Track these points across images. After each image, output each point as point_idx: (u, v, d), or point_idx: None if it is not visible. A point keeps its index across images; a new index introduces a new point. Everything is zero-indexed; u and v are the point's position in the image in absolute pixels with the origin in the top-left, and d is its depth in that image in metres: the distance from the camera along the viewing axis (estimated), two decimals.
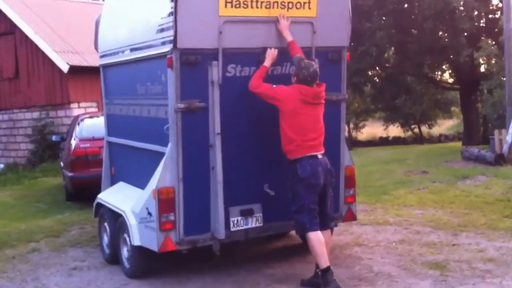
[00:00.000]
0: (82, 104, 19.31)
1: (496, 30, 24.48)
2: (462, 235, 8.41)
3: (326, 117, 7.00)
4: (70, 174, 12.20)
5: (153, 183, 6.62)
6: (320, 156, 6.49)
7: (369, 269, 7.08)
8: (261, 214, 6.90)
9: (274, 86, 6.48)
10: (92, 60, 17.83)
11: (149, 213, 6.66)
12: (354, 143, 34.43)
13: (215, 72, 6.46)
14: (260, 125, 6.87)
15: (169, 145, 6.53)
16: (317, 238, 6.34)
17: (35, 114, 19.97)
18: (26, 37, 20.01)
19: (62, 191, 13.70)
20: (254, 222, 6.88)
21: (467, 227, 8.85)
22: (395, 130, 42.59)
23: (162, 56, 6.53)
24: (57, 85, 19.57)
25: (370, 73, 29.74)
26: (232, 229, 6.78)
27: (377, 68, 29.64)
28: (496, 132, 17.23)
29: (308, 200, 6.39)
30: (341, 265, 7.29)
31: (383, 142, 38.76)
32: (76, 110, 18.83)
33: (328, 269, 6.30)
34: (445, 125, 47.41)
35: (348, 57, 7.25)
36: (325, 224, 6.60)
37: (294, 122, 6.42)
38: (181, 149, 6.48)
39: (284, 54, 6.74)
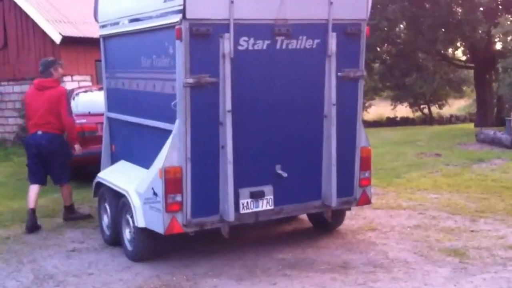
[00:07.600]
0: (75, 78, 19.20)
1: None
2: (481, 221, 8.49)
3: (342, 95, 7.03)
4: None
5: (159, 162, 6.62)
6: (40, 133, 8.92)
7: (385, 255, 7.14)
8: (272, 197, 6.92)
9: None
10: (87, 30, 17.76)
11: (155, 194, 6.67)
12: None
13: (226, 45, 6.42)
14: (274, 103, 6.85)
15: (177, 122, 6.51)
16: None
17: (24, 87, 19.88)
18: (16, 4, 19.89)
19: None
20: (264, 205, 6.90)
21: (485, 212, 8.93)
22: (403, 110, 42.59)
23: (170, 26, 6.46)
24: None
25: (379, 49, 29.65)
26: (242, 211, 6.80)
27: (386, 44, 29.54)
28: None
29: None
30: (355, 250, 7.36)
31: (391, 122, 38.81)
32: (69, 83, 18.75)
33: None
34: (455, 105, 47.40)
35: (367, 31, 7.18)
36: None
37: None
38: (189, 127, 6.45)
39: (300, 27, 6.74)
